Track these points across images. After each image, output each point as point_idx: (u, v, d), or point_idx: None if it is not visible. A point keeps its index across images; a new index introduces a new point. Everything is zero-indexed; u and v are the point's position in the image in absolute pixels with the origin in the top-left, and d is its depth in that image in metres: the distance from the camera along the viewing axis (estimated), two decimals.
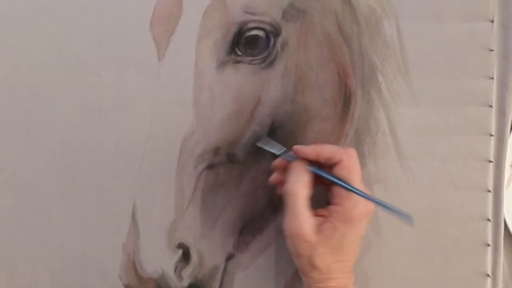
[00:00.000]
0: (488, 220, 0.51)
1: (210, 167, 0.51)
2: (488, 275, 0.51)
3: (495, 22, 0.50)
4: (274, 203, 0.51)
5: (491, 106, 0.50)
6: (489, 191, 0.51)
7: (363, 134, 0.51)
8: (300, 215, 0.44)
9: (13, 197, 0.52)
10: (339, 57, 0.50)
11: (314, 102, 0.50)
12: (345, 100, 0.51)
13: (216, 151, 0.51)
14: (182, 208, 0.51)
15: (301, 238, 0.44)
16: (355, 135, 0.51)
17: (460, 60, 0.50)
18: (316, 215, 0.45)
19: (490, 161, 0.51)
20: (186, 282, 0.52)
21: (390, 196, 0.51)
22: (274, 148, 0.48)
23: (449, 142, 0.51)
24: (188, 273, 0.52)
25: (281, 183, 0.47)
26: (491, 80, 0.50)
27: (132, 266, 0.52)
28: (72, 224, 0.52)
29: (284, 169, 0.47)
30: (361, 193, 0.44)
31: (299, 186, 0.44)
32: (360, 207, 0.44)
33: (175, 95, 0.51)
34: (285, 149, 0.47)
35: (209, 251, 0.52)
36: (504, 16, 0.50)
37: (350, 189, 0.44)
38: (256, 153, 0.51)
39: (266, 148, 0.48)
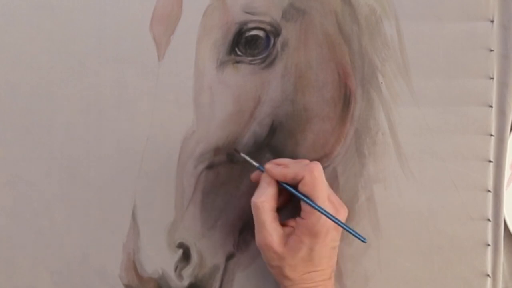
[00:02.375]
0: (488, 220, 0.51)
1: (210, 167, 0.51)
2: (488, 275, 0.51)
3: (495, 22, 0.50)
4: None
5: (491, 106, 0.50)
6: (489, 191, 0.51)
7: (363, 134, 0.51)
8: (266, 226, 0.45)
9: (13, 197, 0.52)
10: (339, 57, 0.50)
11: (314, 102, 0.50)
12: (345, 100, 0.51)
13: (216, 151, 0.51)
14: (182, 208, 0.51)
15: (269, 249, 0.45)
16: (355, 135, 0.51)
17: (460, 60, 0.50)
18: (285, 225, 0.46)
19: (490, 161, 0.51)
20: (186, 281, 0.52)
21: (390, 196, 0.51)
22: (254, 161, 0.48)
23: (449, 142, 0.51)
24: (188, 273, 0.52)
25: None
26: (491, 80, 0.50)
27: (132, 266, 0.52)
28: (72, 224, 0.52)
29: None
30: (320, 209, 0.44)
31: (263, 198, 0.45)
32: (323, 221, 0.44)
33: (175, 95, 0.51)
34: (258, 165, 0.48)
35: (209, 251, 0.52)
36: (504, 16, 0.50)
37: (312, 205, 0.44)
38: (256, 153, 0.51)
39: (247, 158, 0.48)
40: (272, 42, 0.50)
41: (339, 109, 0.51)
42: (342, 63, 0.50)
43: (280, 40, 0.50)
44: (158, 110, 0.51)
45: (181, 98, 0.50)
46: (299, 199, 0.46)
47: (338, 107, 0.51)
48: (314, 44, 0.50)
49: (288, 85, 0.50)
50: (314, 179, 0.45)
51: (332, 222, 0.44)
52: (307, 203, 0.45)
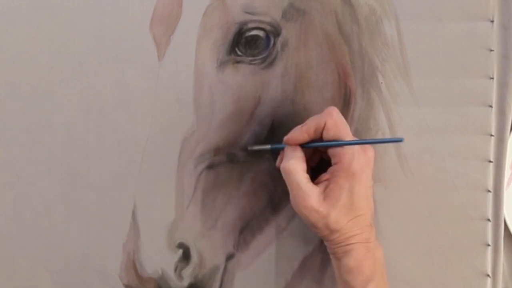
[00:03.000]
0: (488, 220, 0.51)
1: (210, 167, 0.51)
2: (488, 275, 0.51)
3: (495, 22, 0.50)
4: (274, 203, 0.51)
5: (491, 106, 0.50)
6: (489, 191, 0.51)
7: (363, 134, 0.51)
8: (302, 188, 0.44)
9: (13, 197, 0.52)
10: (339, 57, 0.50)
11: (314, 102, 0.50)
12: (345, 100, 0.51)
13: (216, 151, 0.51)
14: (182, 208, 0.51)
15: (310, 211, 0.44)
16: (355, 135, 0.50)
17: (460, 60, 0.50)
18: (318, 182, 0.45)
19: (490, 161, 0.51)
20: (186, 282, 0.52)
21: (390, 196, 0.51)
22: (265, 145, 0.49)
23: (449, 142, 0.51)
24: (188, 273, 0.52)
25: None
26: (491, 80, 0.50)
27: (132, 266, 0.52)
28: (72, 224, 0.52)
29: None
30: (352, 142, 0.44)
31: (293, 161, 0.45)
32: (357, 157, 0.44)
33: (175, 95, 0.51)
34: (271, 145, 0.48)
35: (209, 251, 0.52)
36: (504, 16, 0.50)
37: (341, 144, 0.44)
38: (256, 153, 0.51)
39: (258, 147, 0.49)
40: (272, 42, 0.50)
41: (339, 109, 0.51)
42: (342, 63, 0.50)
43: (280, 40, 0.50)
44: (158, 110, 0.51)
45: (181, 98, 0.50)
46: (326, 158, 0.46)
47: (338, 107, 0.50)
48: (314, 44, 0.50)
49: (288, 85, 0.50)
50: (336, 120, 0.45)
51: (365, 159, 0.44)
52: (337, 144, 0.44)
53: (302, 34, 0.50)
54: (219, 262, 0.52)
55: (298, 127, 0.46)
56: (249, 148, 0.50)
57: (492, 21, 0.50)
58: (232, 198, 0.51)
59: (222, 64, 0.50)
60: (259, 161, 0.51)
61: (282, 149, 0.47)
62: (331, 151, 0.45)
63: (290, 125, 0.50)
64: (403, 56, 0.50)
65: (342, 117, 0.45)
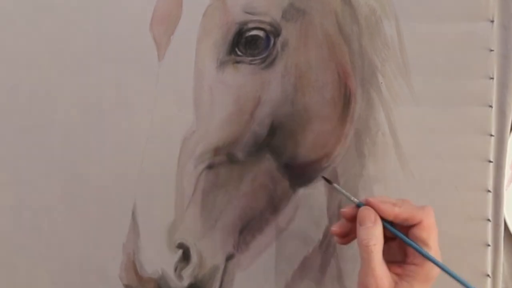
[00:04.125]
0: (488, 220, 0.51)
1: (210, 167, 0.51)
2: (488, 275, 0.51)
3: (495, 22, 0.50)
4: (274, 203, 0.51)
5: (491, 106, 0.50)
6: (489, 191, 0.51)
7: (363, 134, 0.51)
8: (378, 269, 0.42)
9: (13, 197, 0.52)
10: (339, 57, 0.50)
11: (314, 102, 0.50)
12: (345, 100, 0.51)
13: (216, 151, 0.51)
14: (182, 208, 0.51)
15: None
16: (355, 135, 0.51)
17: (460, 60, 0.50)
18: (389, 268, 0.43)
19: (490, 161, 0.51)
20: (186, 282, 0.52)
21: (390, 196, 0.51)
22: (351, 197, 0.45)
23: (449, 142, 0.51)
24: (188, 273, 0.51)
25: (345, 232, 0.45)
26: (491, 80, 0.50)
27: (132, 266, 0.52)
28: (72, 224, 0.52)
29: (351, 218, 0.45)
30: (438, 263, 0.42)
31: (374, 239, 0.42)
32: (435, 267, 0.42)
33: (175, 95, 0.51)
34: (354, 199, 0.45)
35: (209, 251, 0.51)
36: (504, 16, 0.50)
37: (428, 257, 0.42)
38: (256, 153, 0.51)
39: (342, 191, 0.46)
40: (272, 42, 0.50)
41: (339, 109, 0.51)
42: (342, 63, 0.50)
43: (280, 40, 0.50)
44: (158, 110, 0.51)
45: (181, 98, 0.50)
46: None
47: (338, 107, 0.51)
48: (314, 44, 0.50)
49: (288, 85, 0.50)
50: (432, 225, 0.43)
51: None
52: (423, 254, 0.42)
53: (302, 34, 0.50)
54: (219, 262, 0.52)
55: (388, 203, 0.43)
56: (335, 185, 0.47)
57: (492, 21, 0.50)
58: (232, 198, 0.51)
59: (222, 64, 0.50)
60: (259, 161, 0.51)
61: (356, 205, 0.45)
62: (411, 251, 0.43)
63: (290, 125, 0.50)
64: (403, 56, 0.50)
65: (435, 222, 0.43)
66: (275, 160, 0.50)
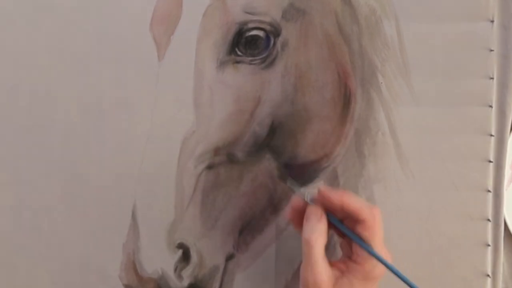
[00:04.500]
0: (488, 220, 0.51)
1: (210, 167, 0.51)
2: (488, 275, 0.51)
3: (495, 22, 0.50)
4: (274, 203, 0.51)
5: (491, 106, 0.50)
6: (489, 191, 0.51)
7: (363, 134, 0.51)
8: (317, 265, 0.43)
9: (13, 197, 0.52)
10: (339, 57, 0.50)
11: (314, 102, 0.50)
12: (345, 100, 0.51)
13: (216, 151, 0.51)
14: (182, 208, 0.51)
15: None
16: (355, 135, 0.51)
17: (460, 60, 0.50)
18: (333, 264, 0.44)
19: (490, 161, 0.51)
20: (186, 282, 0.52)
21: (390, 196, 0.51)
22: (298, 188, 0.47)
23: (449, 142, 0.51)
24: (188, 273, 0.51)
25: (296, 221, 0.46)
26: (491, 80, 0.50)
27: (132, 266, 0.52)
28: (72, 224, 0.52)
29: (300, 210, 0.45)
30: (382, 260, 0.42)
31: (317, 234, 0.43)
32: (379, 268, 0.43)
33: (175, 95, 0.51)
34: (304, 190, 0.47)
35: (209, 251, 0.51)
36: (504, 16, 0.50)
37: (372, 254, 0.42)
38: (256, 153, 0.51)
39: (294, 189, 0.48)
40: (272, 42, 0.50)
41: (339, 109, 0.51)
42: (342, 63, 0.50)
43: (280, 40, 0.50)
44: (158, 110, 0.51)
45: (181, 98, 0.50)
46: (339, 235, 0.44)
47: (338, 107, 0.51)
48: (314, 44, 0.50)
49: (288, 85, 0.50)
50: (378, 224, 0.43)
51: (384, 269, 0.43)
52: (366, 250, 0.43)
53: (302, 34, 0.50)
54: (219, 262, 0.52)
55: (336, 195, 0.43)
56: (289, 184, 0.49)
57: (492, 21, 0.50)
58: (232, 198, 0.51)
59: (222, 64, 0.50)
60: (259, 161, 0.51)
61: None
62: (354, 248, 0.44)
63: (290, 125, 0.50)
64: (403, 56, 0.50)
65: (381, 224, 0.44)
66: (275, 160, 0.50)
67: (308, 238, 0.43)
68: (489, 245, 0.51)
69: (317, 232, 0.43)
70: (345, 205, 0.43)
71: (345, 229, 0.44)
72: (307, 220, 0.44)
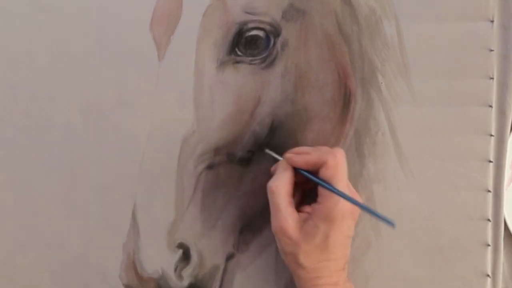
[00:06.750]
0: (488, 220, 0.51)
1: (210, 167, 0.51)
2: (488, 275, 0.51)
3: (495, 22, 0.50)
4: None
5: (491, 106, 0.50)
6: (489, 191, 0.51)
7: (363, 134, 0.51)
8: (281, 210, 0.44)
9: (13, 197, 0.52)
10: (339, 57, 0.50)
11: (314, 102, 0.50)
12: (345, 100, 0.51)
13: (216, 151, 0.51)
14: (182, 208, 0.51)
15: (284, 234, 0.44)
16: (355, 135, 0.51)
17: (460, 60, 0.50)
18: (301, 211, 0.45)
19: (490, 161, 0.51)
20: (186, 282, 0.52)
21: (390, 196, 0.51)
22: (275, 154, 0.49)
23: (449, 142, 0.51)
24: (188, 273, 0.52)
25: None
26: (491, 80, 0.50)
27: (132, 266, 0.52)
28: (72, 224, 0.52)
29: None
30: (340, 193, 0.43)
31: (280, 182, 0.45)
32: (341, 206, 0.43)
33: (175, 95, 0.51)
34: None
35: (209, 251, 0.52)
36: (504, 16, 0.50)
37: (330, 189, 0.43)
38: (257, 153, 0.51)
39: (273, 154, 0.49)
40: (272, 42, 0.50)
41: (339, 109, 0.51)
42: (342, 63, 0.50)
43: (280, 40, 0.50)
44: (158, 110, 0.51)
45: (181, 98, 0.50)
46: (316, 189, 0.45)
47: (338, 107, 0.51)
48: (314, 44, 0.50)
49: (288, 85, 0.50)
50: (337, 163, 0.44)
51: (349, 209, 0.43)
52: (326, 187, 0.44)
53: (302, 34, 0.50)
54: (219, 262, 0.52)
55: (304, 150, 0.46)
56: (267, 150, 0.50)
57: (492, 21, 0.50)
58: (232, 198, 0.51)
59: (222, 64, 0.50)
60: (259, 161, 0.51)
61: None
62: (320, 190, 0.45)
63: (290, 125, 0.50)
64: (403, 56, 0.50)
65: (345, 162, 0.45)
66: (275, 160, 0.50)
67: (270, 186, 0.45)
68: (489, 245, 0.51)
69: (280, 180, 0.45)
70: (307, 161, 0.45)
71: (306, 173, 0.45)
72: (274, 172, 0.47)
